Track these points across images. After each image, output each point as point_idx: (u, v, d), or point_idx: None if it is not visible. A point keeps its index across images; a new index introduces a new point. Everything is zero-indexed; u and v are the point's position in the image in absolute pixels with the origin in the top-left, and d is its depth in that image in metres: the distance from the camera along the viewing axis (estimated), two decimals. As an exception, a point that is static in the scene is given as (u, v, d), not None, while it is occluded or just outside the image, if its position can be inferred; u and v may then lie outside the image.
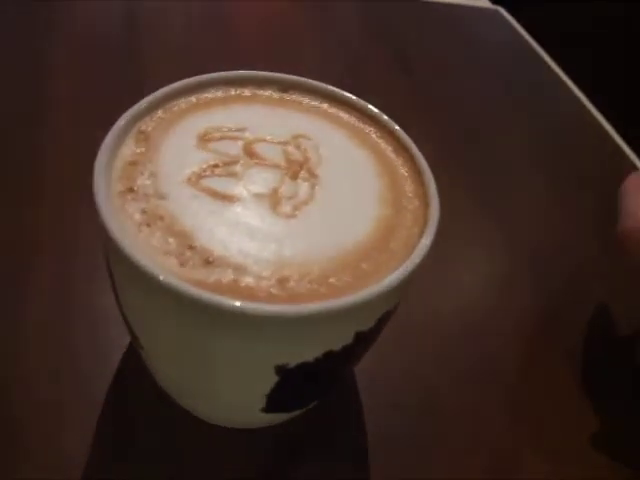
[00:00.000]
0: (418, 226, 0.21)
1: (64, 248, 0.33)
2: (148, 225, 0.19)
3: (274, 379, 0.20)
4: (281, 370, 0.20)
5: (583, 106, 0.53)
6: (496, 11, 0.66)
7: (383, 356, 0.27)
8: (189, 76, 0.26)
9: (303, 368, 0.20)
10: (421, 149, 0.24)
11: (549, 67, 0.57)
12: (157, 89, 0.24)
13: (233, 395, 0.22)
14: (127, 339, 0.29)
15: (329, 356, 0.20)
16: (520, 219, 0.41)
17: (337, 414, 0.28)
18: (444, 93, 0.51)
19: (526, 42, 0.60)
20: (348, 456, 0.27)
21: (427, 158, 0.23)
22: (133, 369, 0.28)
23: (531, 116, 0.51)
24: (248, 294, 0.18)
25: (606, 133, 0.50)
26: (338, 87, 0.26)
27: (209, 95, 0.25)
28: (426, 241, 0.20)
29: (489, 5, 0.66)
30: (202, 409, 0.26)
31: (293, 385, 0.21)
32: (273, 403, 0.22)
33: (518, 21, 0.63)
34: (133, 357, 0.28)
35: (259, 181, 0.21)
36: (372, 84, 0.49)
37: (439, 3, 0.63)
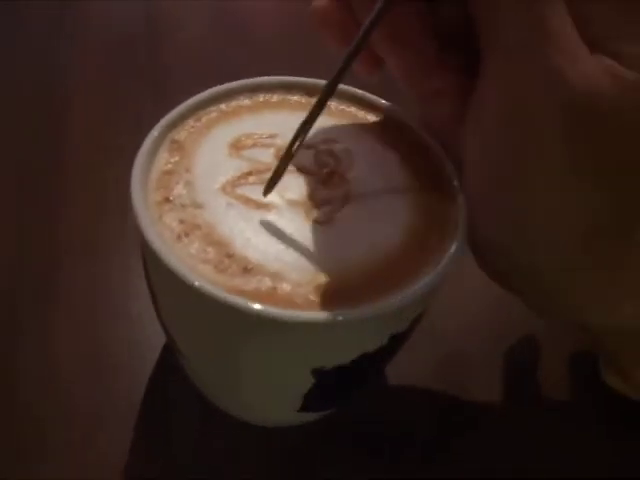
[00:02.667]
0: (448, 229, 0.21)
1: (95, 249, 0.34)
2: (186, 235, 0.20)
3: (311, 381, 0.21)
4: (318, 372, 0.20)
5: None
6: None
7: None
8: (210, 77, 0.26)
9: (339, 370, 0.20)
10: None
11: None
12: (178, 91, 0.24)
13: (271, 396, 0.23)
14: (162, 339, 0.30)
15: (364, 357, 0.20)
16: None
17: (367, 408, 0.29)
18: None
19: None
20: (381, 453, 0.28)
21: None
22: (168, 369, 0.29)
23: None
24: (286, 301, 0.18)
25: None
26: (357, 84, 0.26)
27: (238, 102, 0.25)
28: (457, 244, 0.20)
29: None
30: (237, 409, 0.26)
31: (329, 386, 0.22)
32: (309, 403, 0.23)
33: None
34: (168, 357, 0.29)
35: (292, 188, 0.21)
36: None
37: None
